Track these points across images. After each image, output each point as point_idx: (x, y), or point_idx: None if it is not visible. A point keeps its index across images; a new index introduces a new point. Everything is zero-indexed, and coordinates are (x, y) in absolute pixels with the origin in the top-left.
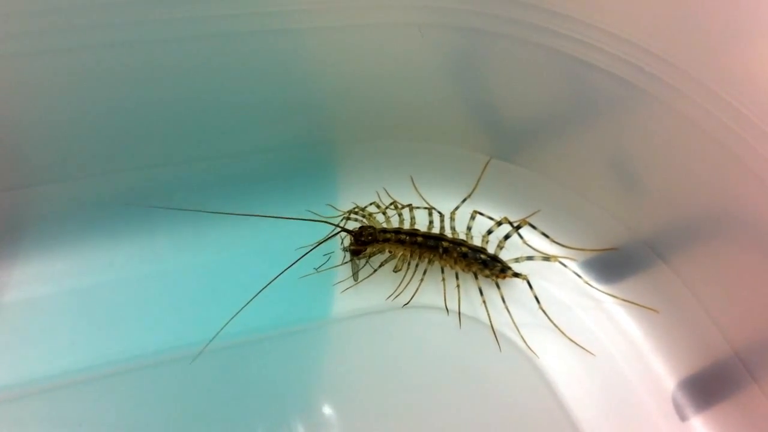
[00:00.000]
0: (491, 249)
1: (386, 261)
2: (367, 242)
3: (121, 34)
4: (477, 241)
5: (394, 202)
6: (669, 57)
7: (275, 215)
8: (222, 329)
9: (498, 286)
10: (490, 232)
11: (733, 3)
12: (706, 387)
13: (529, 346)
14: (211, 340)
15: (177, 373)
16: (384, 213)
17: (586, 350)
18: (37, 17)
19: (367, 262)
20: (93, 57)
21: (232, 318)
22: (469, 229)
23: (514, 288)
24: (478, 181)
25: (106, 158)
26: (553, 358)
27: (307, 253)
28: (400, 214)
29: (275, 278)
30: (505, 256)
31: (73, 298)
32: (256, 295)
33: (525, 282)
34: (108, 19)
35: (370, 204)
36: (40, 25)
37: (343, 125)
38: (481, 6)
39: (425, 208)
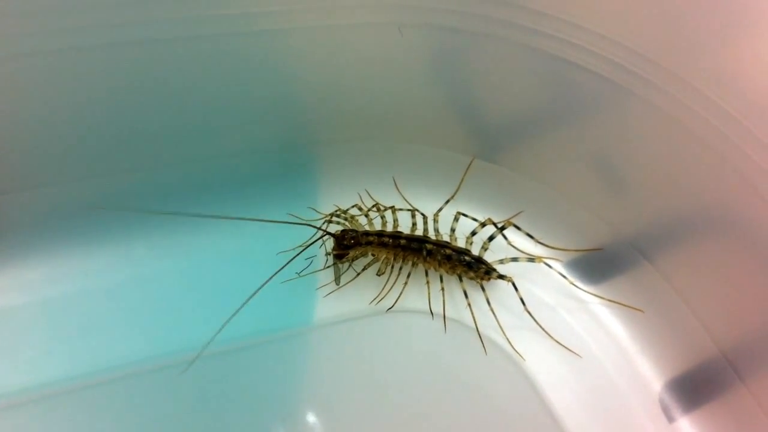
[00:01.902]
0: (475, 250)
1: (369, 264)
2: (349, 246)
3: (95, 38)
4: (461, 243)
5: (376, 204)
6: (652, 56)
7: (255, 218)
8: (213, 338)
9: (483, 289)
10: (474, 233)
11: (717, 3)
12: (693, 387)
13: (515, 349)
14: (202, 350)
15: (155, 383)
16: (366, 215)
17: (572, 352)
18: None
19: (350, 265)
20: (66, 62)
21: (224, 325)
22: (452, 230)
23: (499, 290)
24: (461, 182)
25: (81, 164)
26: (539, 360)
27: (294, 257)
28: (382, 217)
29: (265, 283)
30: (489, 257)
31: (49, 308)
32: (248, 300)
33: (510, 284)
34: (80, 23)
35: (352, 206)
36: (10, 30)
37: (324, 126)
38: (462, 5)
39: (408, 210)
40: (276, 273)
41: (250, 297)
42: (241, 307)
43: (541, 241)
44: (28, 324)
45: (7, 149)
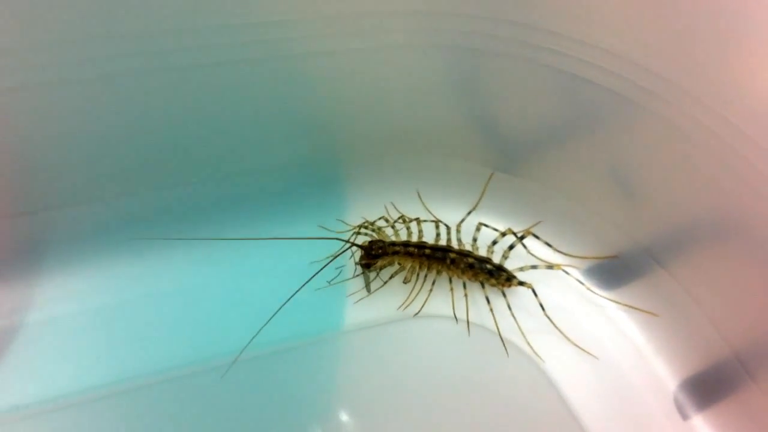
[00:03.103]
0: (497, 259)
1: (396, 273)
2: (377, 255)
3: (133, 63)
4: (482, 252)
5: (402, 216)
6: (662, 72)
7: (289, 237)
8: (251, 341)
9: (504, 295)
10: (495, 242)
11: (723, 19)
12: (706, 387)
13: (535, 351)
14: (241, 352)
15: (197, 386)
16: (393, 227)
17: (590, 354)
18: (48, 51)
19: (378, 274)
20: (107, 86)
21: (262, 327)
22: (474, 240)
23: (519, 296)
24: (482, 193)
25: (123, 181)
26: (558, 362)
27: (324, 266)
28: (408, 228)
29: (298, 290)
30: (509, 265)
31: (96, 316)
32: (282, 306)
33: (530, 290)
34: (117, 50)
35: (379, 218)
36: (51, 58)
37: (351, 142)
38: (481, 27)
39: (432, 221)
40: (308, 281)
41: (284, 303)
42: (276, 312)
43: (560, 249)
44: (75, 331)
45: (56, 169)
